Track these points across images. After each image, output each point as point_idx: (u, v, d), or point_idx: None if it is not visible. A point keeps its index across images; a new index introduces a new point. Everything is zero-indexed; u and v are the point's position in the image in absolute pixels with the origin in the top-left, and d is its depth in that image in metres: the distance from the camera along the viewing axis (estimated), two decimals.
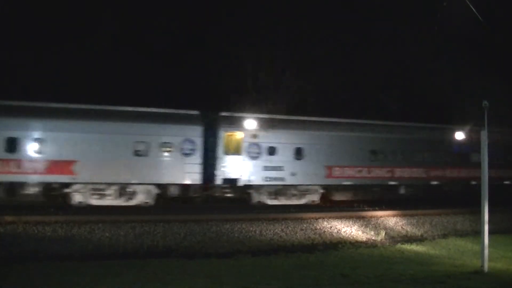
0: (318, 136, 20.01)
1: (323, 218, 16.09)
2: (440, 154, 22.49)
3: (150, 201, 17.61)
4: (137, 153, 17.32)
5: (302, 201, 19.70)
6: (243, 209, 17.54)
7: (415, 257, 11.94)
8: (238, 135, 18.79)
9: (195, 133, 18.04)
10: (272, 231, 14.38)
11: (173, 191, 17.87)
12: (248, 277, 9.07)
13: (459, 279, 9.05)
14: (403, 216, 17.38)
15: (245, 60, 28.10)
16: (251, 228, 14.43)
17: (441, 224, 16.95)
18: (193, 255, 11.52)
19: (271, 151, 19.06)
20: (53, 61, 25.01)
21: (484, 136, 10.00)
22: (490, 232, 10.14)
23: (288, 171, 19.19)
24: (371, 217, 16.93)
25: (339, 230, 15.07)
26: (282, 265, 10.57)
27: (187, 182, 17.86)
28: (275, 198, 19.29)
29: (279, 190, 19.34)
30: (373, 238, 14.51)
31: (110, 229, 13.33)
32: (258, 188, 18.93)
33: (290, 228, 14.76)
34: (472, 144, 22.01)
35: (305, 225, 15.16)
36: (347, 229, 15.24)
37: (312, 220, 15.79)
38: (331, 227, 15.27)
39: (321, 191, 20.06)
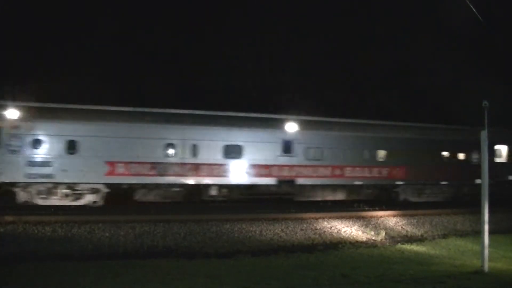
0: (96, 128, 17.53)
1: (323, 218, 16.11)
2: (264, 150, 19.20)
3: None
4: None
5: (81, 202, 17.39)
6: (243, 209, 17.51)
7: (415, 257, 11.93)
8: None
9: None
10: (272, 231, 14.38)
11: None
12: (248, 277, 9.07)
13: (459, 279, 9.04)
14: (403, 216, 17.39)
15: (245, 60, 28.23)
16: (251, 228, 14.43)
17: (441, 224, 16.95)
18: (193, 255, 11.52)
19: (37, 144, 16.92)
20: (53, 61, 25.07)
21: (484, 136, 9.99)
22: (490, 232, 10.15)
23: (58, 167, 16.99)
24: (371, 217, 16.94)
25: (339, 230, 15.07)
26: (282, 265, 10.56)
27: None
28: (46, 198, 17.11)
29: (49, 189, 17.12)
30: (373, 238, 14.49)
31: (110, 229, 13.35)
32: (24, 186, 16.78)
33: (290, 228, 14.76)
34: (310, 139, 19.79)
35: (305, 225, 15.16)
36: (347, 229, 15.24)
37: (312, 220, 15.80)
38: (331, 227, 15.28)
39: (106, 190, 17.57)
